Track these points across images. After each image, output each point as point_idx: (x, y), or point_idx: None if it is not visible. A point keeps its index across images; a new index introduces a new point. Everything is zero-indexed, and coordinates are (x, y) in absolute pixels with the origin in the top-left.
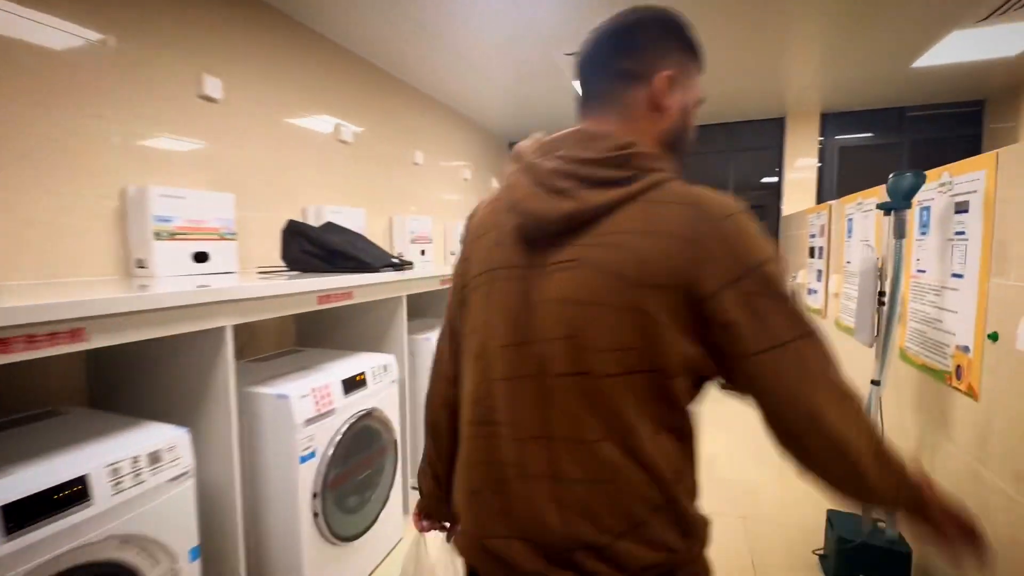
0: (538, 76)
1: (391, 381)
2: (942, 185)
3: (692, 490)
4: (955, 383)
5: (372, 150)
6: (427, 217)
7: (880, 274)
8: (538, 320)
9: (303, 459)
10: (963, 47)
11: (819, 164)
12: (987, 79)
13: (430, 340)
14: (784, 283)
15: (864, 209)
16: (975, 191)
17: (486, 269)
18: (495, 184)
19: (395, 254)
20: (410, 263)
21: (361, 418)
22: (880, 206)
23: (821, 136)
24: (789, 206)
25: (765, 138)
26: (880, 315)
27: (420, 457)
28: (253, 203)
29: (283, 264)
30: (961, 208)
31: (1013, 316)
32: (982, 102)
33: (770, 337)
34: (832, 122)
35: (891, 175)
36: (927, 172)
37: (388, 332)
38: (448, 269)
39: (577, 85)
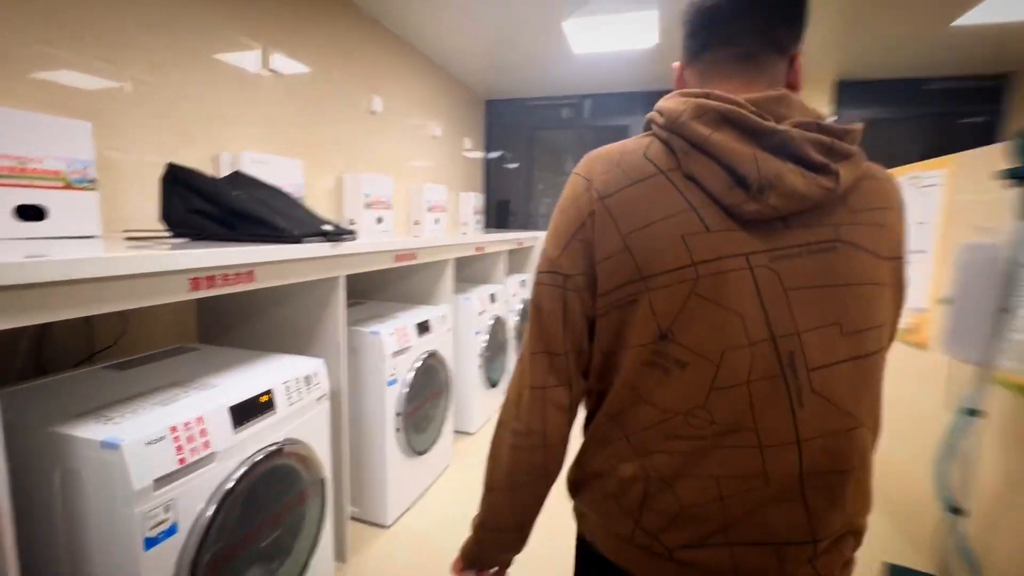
0: (526, 17)
1: (317, 397)
2: None
3: None
4: None
5: (315, 88)
6: (387, 177)
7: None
8: (789, 311)
9: (152, 542)
10: (1014, 3)
11: None
12: (1016, 49)
13: (379, 334)
14: None
15: (923, 184)
16: None
17: (685, 264)
18: (467, 144)
19: (335, 220)
20: (350, 232)
21: (267, 459)
22: (1011, 173)
23: (836, 107)
24: None
25: None
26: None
27: (363, 488)
28: (130, 140)
29: (165, 227)
30: None
31: None
32: (1005, 76)
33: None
34: (848, 92)
35: (1019, 133)
36: None
37: (319, 325)
38: (414, 241)
39: (702, 33)
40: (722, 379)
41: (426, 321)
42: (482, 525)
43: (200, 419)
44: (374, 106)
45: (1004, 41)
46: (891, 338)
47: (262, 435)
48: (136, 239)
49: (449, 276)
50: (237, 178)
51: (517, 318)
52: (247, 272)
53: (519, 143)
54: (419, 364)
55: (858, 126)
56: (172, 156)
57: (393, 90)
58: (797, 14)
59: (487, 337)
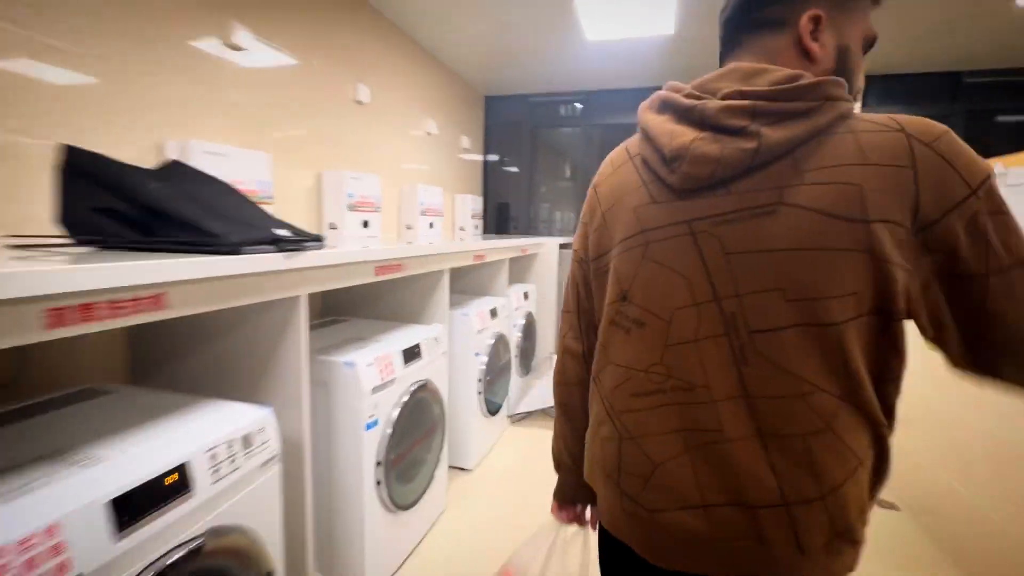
0: (533, 1)
1: (262, 462)
2: None
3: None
4: None
5: (291, 72)
6: (374, 176)
7: None
8: (730, 275)
9: None
10: None
11: None
12: None
13: (355, 366)
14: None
15: (1009, 183)
16: None
17: (636, 232)
18: (465, 142)
19: (299, 225)
20: (314, 239)
21: (175, 566)
22: None
23: (863, 101)
24: None
25: None
26: None
27: (335, 554)
28: (39, 122)
29: (64, 231)
30: None
31: None
32: None
33: (1002, 256)
34: (874, 87)
35: None
36: None
37: (273, 359)
38: (400, 249)
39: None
40: (674, 336)
41: (416, 346)
42: (553, 452)
43: (51, 529)
44: (360, 95)
45: None
46: (904, 313)
47: (167, 534)
48: (24, 247)
49: (444, 289)
50: (172, 170)
51: (520, 334)
52: (153, 296)
53: (520, 143)
54: (407, 399)
55: (810, 80)
56: (99, 144)
57: (383, 80)
58: None
59: (487, 358)
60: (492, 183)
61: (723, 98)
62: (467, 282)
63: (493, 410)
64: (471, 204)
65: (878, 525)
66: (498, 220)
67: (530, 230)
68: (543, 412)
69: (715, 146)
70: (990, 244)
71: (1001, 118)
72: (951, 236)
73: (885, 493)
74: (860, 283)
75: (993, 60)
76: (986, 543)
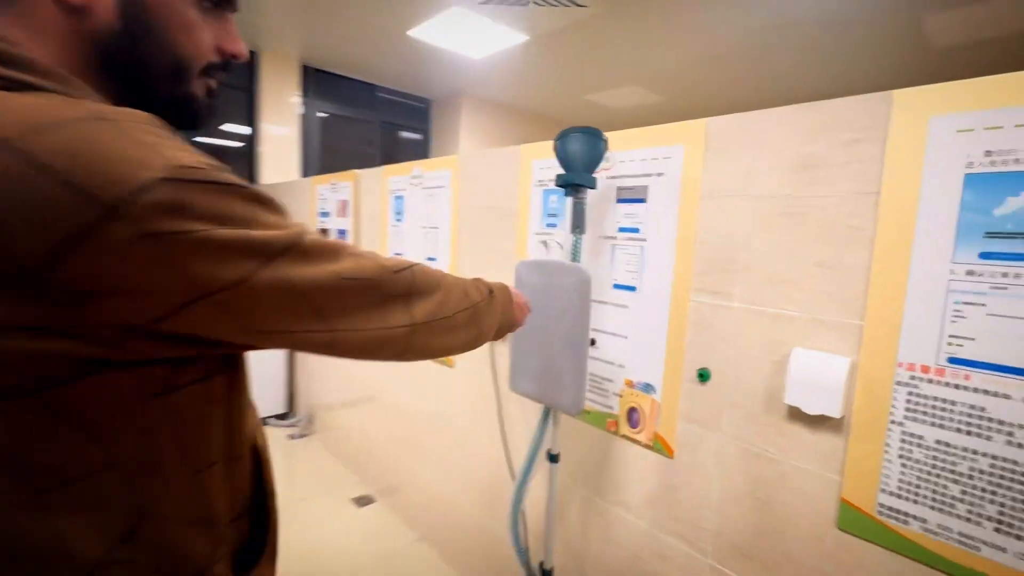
0: None
1: None
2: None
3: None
4: (627, 432)
5: None
6: None
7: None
8: None
9: None
10: (452, 31)
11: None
12: (438, 79)
13: None
14: (205, 196)
15: (427, 185)
16: (660, 173)
17: None
18: None
19: None
20: None
21: None
22: (563, 181)
23: (304, 92)
24: (269, 173)
25: (232, 77)
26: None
27: None
28: None
29: None
30: (630, 196)
31: (742, 350)
32: (430, 102)
33: (207, 279)
34: (313, 80)
35: (559, 136)
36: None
37: None
38: None
39: None
40: None
41: None
42: None
43: None
44: None
45: (436, 70)
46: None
47: None
48: None
49: None
50: None
51: None
52: None
53: None
54: None
55: None
56: None
57: None
58: None
59: None
60: None
61: None
62: None
63: None
64: None
65: (351, 521)
66: None
67: None
68: None
69: None
70: (183, 268)
71: (404, 134)
72: (103, 279)
73: (359, 488)
74: None
75: (399, 82)
76: (442, 513)
